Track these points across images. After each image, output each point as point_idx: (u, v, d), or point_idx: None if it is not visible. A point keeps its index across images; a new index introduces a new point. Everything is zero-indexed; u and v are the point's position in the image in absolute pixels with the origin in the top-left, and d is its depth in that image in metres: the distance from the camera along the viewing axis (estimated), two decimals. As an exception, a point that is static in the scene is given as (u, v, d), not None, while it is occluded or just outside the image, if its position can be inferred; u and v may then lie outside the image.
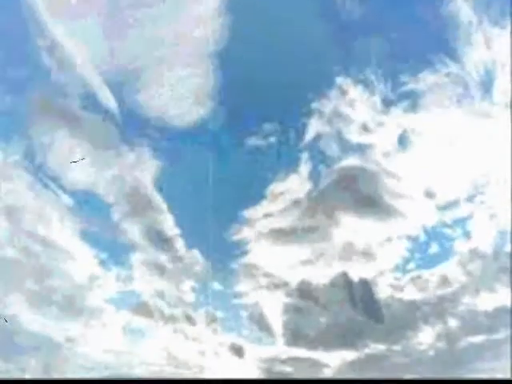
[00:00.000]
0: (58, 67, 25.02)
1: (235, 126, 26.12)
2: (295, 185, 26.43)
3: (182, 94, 25.34)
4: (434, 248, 26.38)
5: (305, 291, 25.85)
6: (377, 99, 26.22)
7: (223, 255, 26.14)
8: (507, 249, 24.53)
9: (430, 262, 26.32)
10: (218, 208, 25.76)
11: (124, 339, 25.21)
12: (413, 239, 26.33)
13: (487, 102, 25.68)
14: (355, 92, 26.21)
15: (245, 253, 26.33)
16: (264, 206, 26.27)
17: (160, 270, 25.99)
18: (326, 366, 25.00)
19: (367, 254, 26.12)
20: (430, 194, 26.11)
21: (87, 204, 26.05)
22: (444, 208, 26.10)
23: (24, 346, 23.13)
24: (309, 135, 26.39)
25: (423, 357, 24.68)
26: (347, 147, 26.38)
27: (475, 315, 24.75)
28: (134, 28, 24.55)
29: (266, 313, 26.11)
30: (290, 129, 26.62)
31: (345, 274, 25.74)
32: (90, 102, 25.24)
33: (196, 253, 26.18)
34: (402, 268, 26.28)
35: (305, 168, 26.39)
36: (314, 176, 26.45)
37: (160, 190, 26.20)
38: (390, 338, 25.11)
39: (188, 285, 26.12)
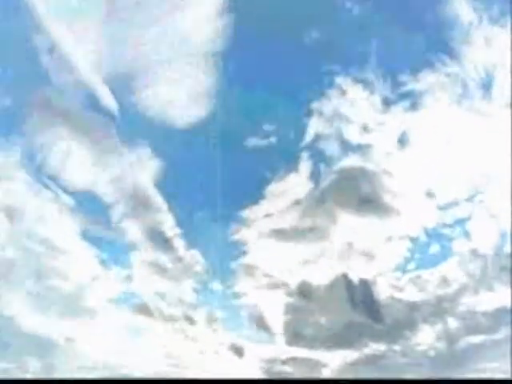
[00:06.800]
0: (58, 67, 25.05)
1: (235, 127, 26.13)
2: (295, 185, 26.39)
3: (182, 94, 25.38)
4: (434, 248, 26.40)
5: (305, 291, 25.85)
6: (377, 99, 26.21)
7: (223, 255, 26.16)
8: (507, 249, 24.55)
9: (430, 262, 26.35)
10: (218, 208, 25.86)
11: (124, 339, 25.27)
12: (413, 239, 26.31)
13: (487, 101, 25.65)
14: (355, 92, 26.17)
15: (245, 253, 26.39)
16: (264, 206, 26.25)
17: (160, 269, 26.04)
18: (326, 365, 25.04)
19: (367, 254, 26.15)
20: (430, 194, 26.11)
21: (87, 204, 26.03)
22: (444, 208, 26.10)
23: (24, 345, 23.15)
24: (309, 135, 26.34)
25: (423, 357, 24.69)
26: (347, 147, 26.38)
27: (475, 315, 24.73)
28: (134, 28, 24.57)
29: (265, 313, 26.14)
30: (290, 129, 26.65)
31: (345, 274, 25.73)
32: (90, 102, 25.29)
33: (196, 253, 26.27)
34: (401, 268, 26.33)
35: (305, 168, 26.35)
36: (314, 176, 26.42)
37: (160, 189, 26.22)
38: (390, 337, 25.12)
39: (188, 285, 26.16)
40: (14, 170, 24.94)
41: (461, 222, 26.02)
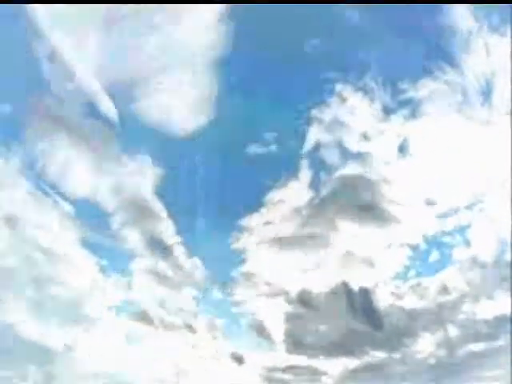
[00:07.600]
0: (59, 75, 25.04)
1: (235, 134, 26.11)
2: (295, 192, 26.38)
3: (182, 102, 25.37)
4: (434, 256, 26.41)
5: (305, 299, 25.87)
6: (377, 107, 26.20)
7: (223, 263, 26.24)
8: (507, 257, 24.53)
9: (430, 269, 26.39)
10: (218, 216, 25.87)
11: (124, 347, 25.28)
12: (413, 247, 26.36)
13: (487, 109, 25.67)
14: (355, 99, 26.14)
15: (244, 261, 26.39)
16: (264, 214, 26.27)
17: (160, 277, 26.07)
18: (326, 373, 25.06)
19: (367, 262, 26.15)
20: (429, 202, 26.15)
21: (87, 212, 26.01)
22: (444, 216, 26.14)
23: (24, 353, 23.14)
24: (309, 143, 26.33)
25: (423, 365, 24.72)
26: (347, 155, 26.34)
27: (475, 323, 24.75)
28: (134, 36, 24.58)
29: (266, 321, 26.19)
30: (290, 137, 26.63)
31: (345, 282, 25.73)
32: (90, 110, 25.27)
33: (196, 261, 26.25)
34: (402, 276, 26.36)
35: (305, 176, 26.34)
36: (314, 184, 26.42)
37: (160, 197, 26.21)
38: (390, 345, 25.14)
39: (188, 293, 26.21)
40: (14, 178, 24.96)
41: (461, 229, 26.13)
